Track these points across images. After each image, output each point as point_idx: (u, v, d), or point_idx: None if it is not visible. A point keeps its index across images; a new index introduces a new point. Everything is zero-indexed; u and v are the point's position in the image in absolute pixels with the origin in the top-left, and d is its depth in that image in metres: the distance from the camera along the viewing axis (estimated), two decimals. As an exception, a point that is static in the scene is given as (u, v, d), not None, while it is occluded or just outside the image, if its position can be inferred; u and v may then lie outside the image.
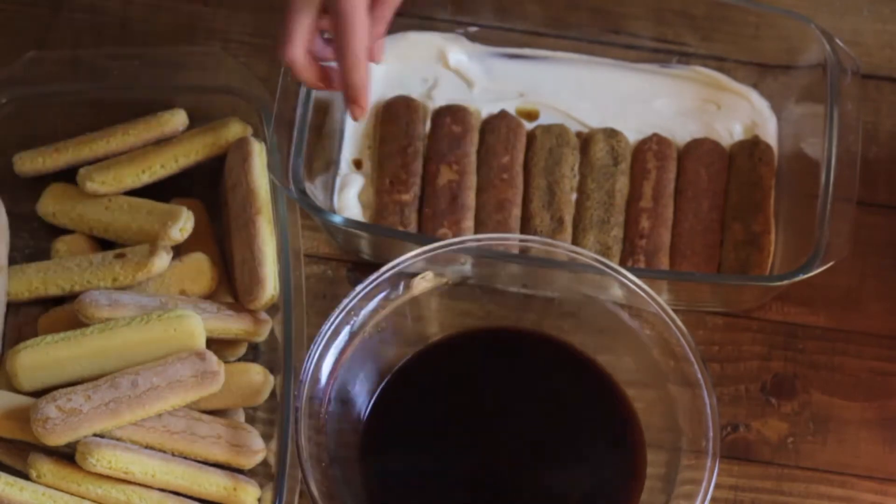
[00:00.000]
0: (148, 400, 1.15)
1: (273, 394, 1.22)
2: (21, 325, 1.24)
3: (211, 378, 1.16)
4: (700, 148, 1.33)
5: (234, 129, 1.28)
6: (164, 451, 1.17)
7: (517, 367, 1.22)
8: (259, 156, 1.26)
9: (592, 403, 1.21)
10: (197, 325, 1.19)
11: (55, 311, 1.24)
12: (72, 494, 1.15)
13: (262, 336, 1.22)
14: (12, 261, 1.26)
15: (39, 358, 1.17)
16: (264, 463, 1.20)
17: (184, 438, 1.17)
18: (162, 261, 1.22)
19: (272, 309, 1.25)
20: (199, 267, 1.24)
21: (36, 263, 1.25)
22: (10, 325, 1.24)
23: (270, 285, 1.21)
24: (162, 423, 1.17)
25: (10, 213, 1.28)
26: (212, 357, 1.17)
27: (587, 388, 1.21)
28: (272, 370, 1.23)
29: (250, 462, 1.18)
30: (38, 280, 1.23)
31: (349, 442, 1.19)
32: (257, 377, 1.21)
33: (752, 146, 1.32)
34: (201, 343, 1.19)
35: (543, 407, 1.20)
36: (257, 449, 1.18)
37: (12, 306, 1.24)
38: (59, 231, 1.29)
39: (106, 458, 1.13)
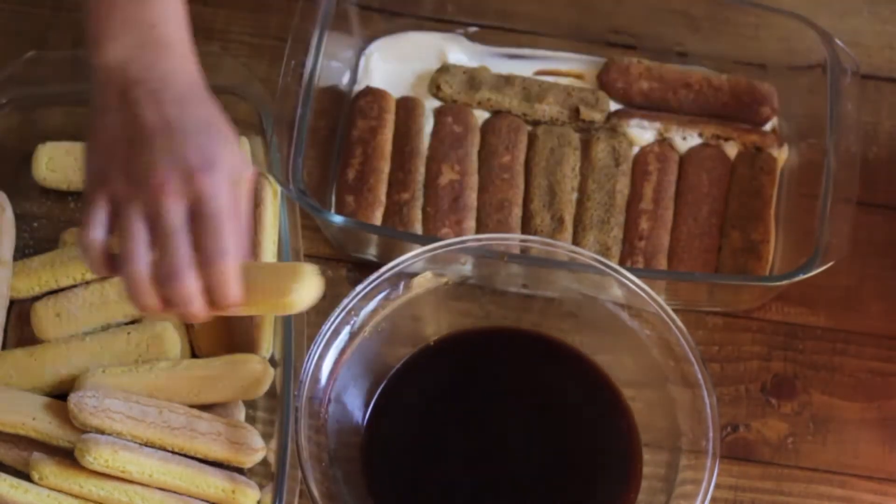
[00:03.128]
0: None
1: (273, 394, 1.22)
2: (24, 324, 1.24)
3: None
4: (702, 153, 1.33)
5: None
6: (164, 447, 1.17)
7: (516, 368, 1.22)
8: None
9: (589, 403, 1.21)
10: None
11: (49, 299, 1.24)
12: (74, 496, 1.15)
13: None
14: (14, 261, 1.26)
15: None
16: (264, 463, 1.20)
17: (183, 434, 1.17)
18: None
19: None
20: None
21: (40, 256, 1.24)
22: (14, 323, 1.25)
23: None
24: (162, 419, 1.17)
25: (9, 214, 1.28)
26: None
27: (584, 388, 1.21)
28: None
29: (250, 460, 1.18)
30: (48, 273, 1.23)
31: (349, 442, 1.19)
32: (257, 367, 1.20)
33: (754, 155, 1.32)
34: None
35: (541, 407, 1.20)
36: (257, 447, 1.18)
37: (17, 302, 1.24)
38: (59, 229, 1.29)
39: (103, 457, 1.13)
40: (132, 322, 1.23)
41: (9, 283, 1.24)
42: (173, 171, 1.00)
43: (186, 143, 1.02)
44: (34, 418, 1.17)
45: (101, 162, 1.03)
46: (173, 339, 1.21)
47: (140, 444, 1.16)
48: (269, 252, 1.24)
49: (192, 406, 1.20)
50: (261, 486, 1.19)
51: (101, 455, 1.13)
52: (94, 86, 1.05)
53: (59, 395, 1.20)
